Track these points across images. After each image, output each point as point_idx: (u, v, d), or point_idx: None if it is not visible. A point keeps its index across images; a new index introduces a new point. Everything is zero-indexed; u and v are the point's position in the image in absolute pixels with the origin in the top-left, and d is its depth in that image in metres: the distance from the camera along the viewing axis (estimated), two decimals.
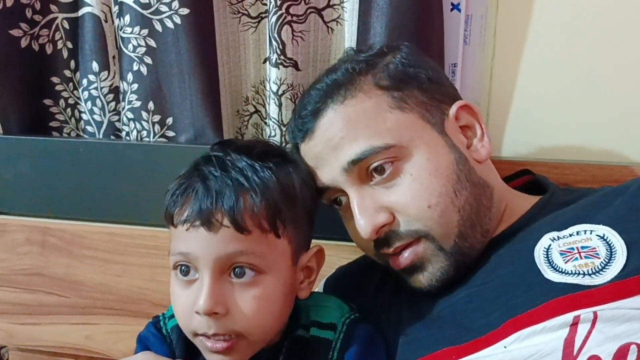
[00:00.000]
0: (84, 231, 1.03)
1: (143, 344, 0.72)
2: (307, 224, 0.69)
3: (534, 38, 0.90)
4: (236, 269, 0.62)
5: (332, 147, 0.68)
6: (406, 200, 0.66)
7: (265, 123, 1.00)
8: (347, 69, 0.70)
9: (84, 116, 1.07)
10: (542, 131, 0.91)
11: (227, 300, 0.61)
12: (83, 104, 1.06)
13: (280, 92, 0.93)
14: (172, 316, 0.72)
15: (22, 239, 1.04)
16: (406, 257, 0.67)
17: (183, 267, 0.63)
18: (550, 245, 0.63)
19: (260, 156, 0.66)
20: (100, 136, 1.07)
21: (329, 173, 0.69)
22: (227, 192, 0.62)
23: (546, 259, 0.62)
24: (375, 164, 0.66)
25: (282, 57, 0.91)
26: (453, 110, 0.71)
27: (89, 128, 1.07)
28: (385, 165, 0.66)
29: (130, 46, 0.97)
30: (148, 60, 0.97)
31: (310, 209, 0.70)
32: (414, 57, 0.72)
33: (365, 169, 0.67)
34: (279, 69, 0.91)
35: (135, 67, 0.98)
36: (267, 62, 0.94)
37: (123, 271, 1.02)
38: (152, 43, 0.96)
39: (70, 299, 1.04)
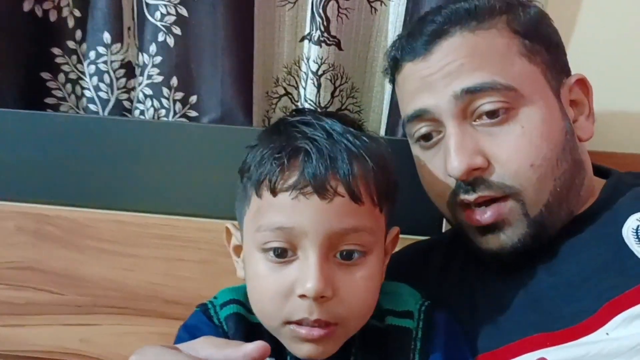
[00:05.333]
0: (88, 219, 0.91)
1: (191, 334, 0.61)
2: (394, 202, 0.64)
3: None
4: (344, 252, 0.56)
5: (447, 72, 0.64)
6: (510, 152, 0.62)
7: (296, 107, 0.94)
8: (486, 0, 0.67)
9: (87, 93, 0.97)
10: None
11: (335, 282, 0.55)
12: (88, 79, 0.96)
13: (320, 72, 0.88)
14: (224, 304, 0.64)
15: (12, 227, 0.91)
16: (489, 215, 0.64)
17: (278, 250, 0.56)
18: (639, 227, 0.61)
19: (350, 124, 0.61)
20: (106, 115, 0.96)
21: (434, 99, 0.65)
22: (340, 157, 0.56)
23: (637, 239, 0.60)
24: (488, 105, 0.63)
25: (325, 34, 0.86)
26: (571, 80, 0.68)
27: (91, 106, 0.97)
28: (500, 110, 0.63)
29: (157, 14, 0.88)
30: (177, 30, 0.89)
31: (397, 184, 0.65)
32: (547, 18, 0.70)
33: (475, 105, 0.63)
34: (321, 46, 0.87)
35: (160, 38, 0.89)
36: (307, 40, 0.89)
37: (133, 265, 0.91)
38: (184, 12, 0.88)
39: (65, 296, 0.91)
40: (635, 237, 0.60)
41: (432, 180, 0.69)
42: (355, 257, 0.57)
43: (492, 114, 0.63)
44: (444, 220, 0.88)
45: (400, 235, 0.85)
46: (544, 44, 0.67)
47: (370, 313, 0.60)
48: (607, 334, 0.55)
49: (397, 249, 0.81)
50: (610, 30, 0.91)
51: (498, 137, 0.63)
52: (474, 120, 0.64)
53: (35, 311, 0.92)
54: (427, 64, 0.65)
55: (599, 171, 0.75)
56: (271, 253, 0.56)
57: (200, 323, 0.64)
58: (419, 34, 0.67)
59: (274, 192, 0.56)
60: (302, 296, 0.54)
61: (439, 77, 0.64)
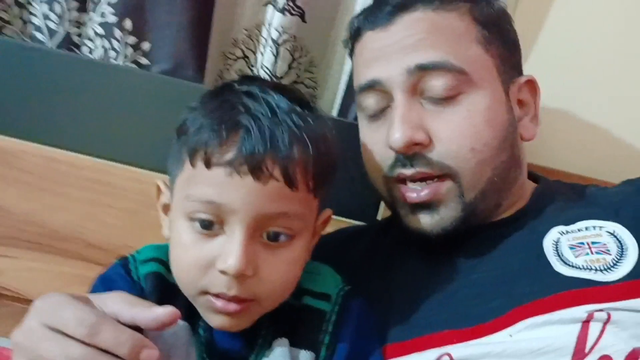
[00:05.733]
0: (18, 150, 0.88)
1: (106, 286, 0.60)
2: (329, 184, 0.63)
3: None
4: (271, 233, 0.56)
5: (404, 45, 0.65)
6: (453, 133, 0.64)
7: (252, 71, 0.92)
8: None
9: (35, 20, 0.92)
10: None
11: (257, 261, 0.55)
12: (37, 5, 0.91)
13: (280, 41, 0.86)
14: (146, 261, 0.62)
15: None
16: (425, 193, 0.65)
17: (205, 222, 0.55)
18: (559, 239, 0.63)
19: (298, 101, 0.59)
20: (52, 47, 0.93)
21: (386, 70, 0.65)
22: (281, 138, 0.53)
23: (555, 251, 0.62)
24: (438, 82, 0.64)
25: (290, 2, 0.85)
26: (522, 80, 0.70)
27: (38, 35, 0.93)
28: (448, 88, 0.64)
29: None
30: None
31: (336, 167, 0.64)
32: (509, 17, 0.72)
33: (425, 83, 0.64)
34: (284, 15, 0.85)
35: None
36: (272, 6, 0.87)
37: (59, 203, 0.88)
38: None
39: None
40: (554, 249, 0.62)
41: (372, 152, 0.70)
42: (281, 240, 0.56)
43: (438, 95, 0.64)
44: (380, 207, 0.90)
45: (336, 217, 0.86)
46: (502, 39, 0.68)
47: (289, 293, 0.60)
48: (510, 335, 0.57)
49: (330, 230, 0.82)
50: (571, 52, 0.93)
51: (443, 117, 0.64)
52: (422, 98, 0.65)
53: None
54: (386, 34, 0.66)
55: (530, 176, 0.77)
56: (197, 223, 0.55)
57: (116, 276, 0.62)
58: (384, 5, 0.68)
59: (208, 164, 0.54)
60: (222, 272, 0.54)
61: (395, 49, 0.65)
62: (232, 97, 0.57)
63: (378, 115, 0.69)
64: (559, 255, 0.61)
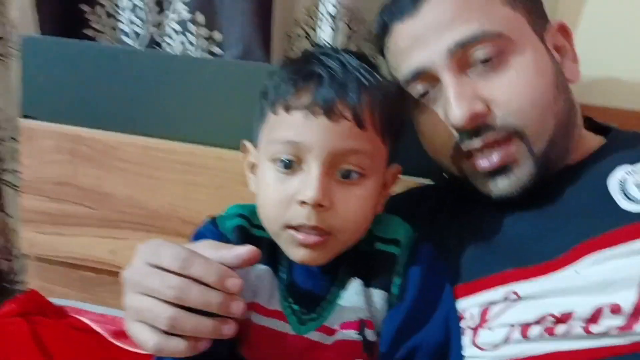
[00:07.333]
0: (117, 142, 0.99)
1: (198, 239, 0.68)
2: (397, 138, 0.68)
3: None
4: (343, 171, 0.62)
5: (437, 27, 0.66)
6: (509, 93, 0.65)
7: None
8: None
9: (123, 26, 1.03)
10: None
11: (332, 196, 0.61)
12: (122, 12, 1.02)
13: (336, 15, 0.91)
14: (231, 217, 0.70)
15: (51, 146, 1.00)
16: (496, 157, 0.66)
17: (286, 161, 0.62)
18: (625, 178, 0.62)
19: (366, 61, 0.66)
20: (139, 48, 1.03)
21: (428, 55, 0.67)
22: (351, 85, 0.61)
23: (621, 190, 0.61)
24: (481, 52, 0.65)
25: None
26: (553, 26, 0.71)
27: (126, 39, 1.04)
28: (492, 54, 0.65)
29: None
30: None
31: (403, 123, 0.69)
32: None
33: (468, 56, 0.65)
34: None
35: None
36: None
37: (155, 186, 0.99)
38: None
39: (97, 211, 1.01)
40: (620, 187, 0.62)
41: (434, 135, 0.71)
42: (353, 177, 0.62)
43: (485, 61, 0.65)
44: None
45: (405, 177, 0.89)
46: None
47: (362, 230, 0.66)
48: (576, 271, 0.58)
49: (400, 190, 0.86)
50: None
51: (494, 81, 0.65)
52: (469, 71, 0.66)
53: (71, 222, 1.02)
54: (416, 21, 0.68)
55: (600, 128, 0.75)
56: (279, 163, 0.62)
57: (207, 231, 0.71)
58: None
59: (287, 109, 0.61)
60: (303, 203, 0.60)
61: (430, 32, 0.66)
62: (307, 55, 0.66)
63: (429, 99, 0.70)
64: (624, 193, 0.61)
